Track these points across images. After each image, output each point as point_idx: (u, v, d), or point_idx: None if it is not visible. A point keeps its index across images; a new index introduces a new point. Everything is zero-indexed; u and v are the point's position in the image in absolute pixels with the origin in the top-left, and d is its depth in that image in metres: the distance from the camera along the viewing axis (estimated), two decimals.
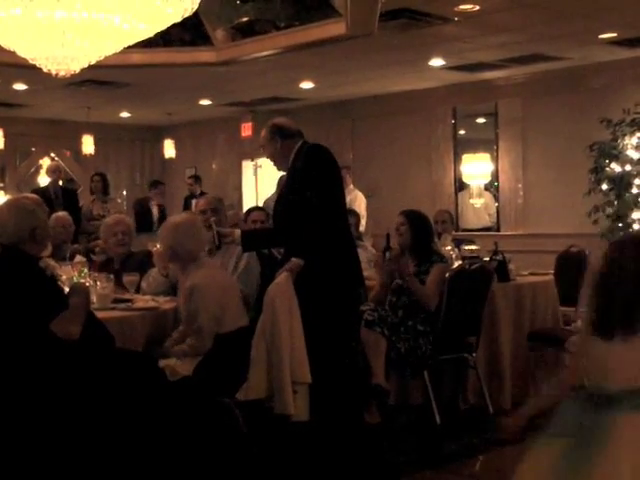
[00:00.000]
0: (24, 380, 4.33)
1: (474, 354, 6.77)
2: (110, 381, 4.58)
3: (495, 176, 13.72)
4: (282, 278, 5.58)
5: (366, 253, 8.11)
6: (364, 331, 6.41)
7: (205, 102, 15.52)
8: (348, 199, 7.29)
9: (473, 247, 8.13)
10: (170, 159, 17.46)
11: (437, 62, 11.96)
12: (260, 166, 16.29)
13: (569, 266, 8.46)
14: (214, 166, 17.97)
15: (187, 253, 5.58)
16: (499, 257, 7.42)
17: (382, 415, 6.41)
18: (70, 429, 4.38)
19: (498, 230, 13.57)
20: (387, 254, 7.32)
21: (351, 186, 11.84)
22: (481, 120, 14.45)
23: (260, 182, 16.43)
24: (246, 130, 16.58)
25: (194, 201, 14.30)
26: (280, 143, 5.98)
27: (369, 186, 13.81)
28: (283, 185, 6.20)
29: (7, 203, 5.11)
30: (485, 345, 6.95)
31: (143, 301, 5.88)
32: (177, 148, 17.21)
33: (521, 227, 13.26)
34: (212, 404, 5.30)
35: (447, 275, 6.65)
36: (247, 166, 16.91)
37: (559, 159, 12.60)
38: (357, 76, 12.86)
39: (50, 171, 12.62)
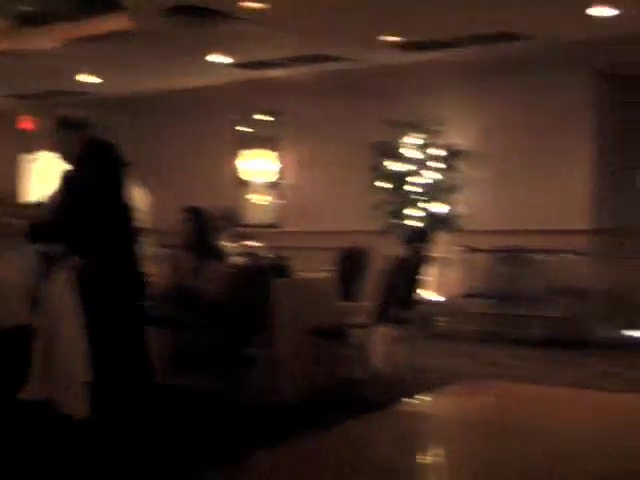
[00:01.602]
0: None
1: (255, 350, 6.83)
2: None
3: (278, 173, 13.88)
4: (61, 276, 5.49)
5: (148, 249, 8.06)
6: (148, 328, 6.38)
7: None
8: (130, 195, 7.23)
9: (254, 243, 8.21)
10: None
11: (222, 59, 12.01)
12: (36, 160, 15.98)
13: (350, 262, 8.66)
14: None
15: None
16: (280, 253, 7.53)
17: (171, 412, 6.39)
18: None
19: (280, 227, 13.73)
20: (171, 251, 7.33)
21: (134, 182, 11.72)
22: (265, 118, 14.54)
23: (37, 176, 16.09)
24: (24, 123, 16.17)
25: None
26: (65, 135, 5.88)
27: (153, 182, 13.70)
28: (65, 179, 6.08)
29: None
30: (266, 341, 7.03)
31: None
32: None
33: (303, 224, 13.43)
34: None
35: (228, 271, 6.69)
36: (24, 160, 16.53)
37: (341, 158, 12.86)
38: (141, 72, 12.77)
39: None
